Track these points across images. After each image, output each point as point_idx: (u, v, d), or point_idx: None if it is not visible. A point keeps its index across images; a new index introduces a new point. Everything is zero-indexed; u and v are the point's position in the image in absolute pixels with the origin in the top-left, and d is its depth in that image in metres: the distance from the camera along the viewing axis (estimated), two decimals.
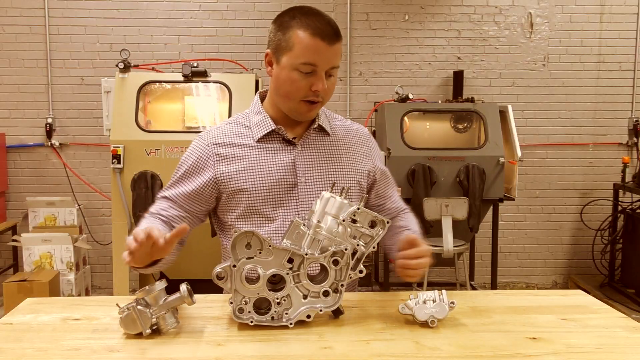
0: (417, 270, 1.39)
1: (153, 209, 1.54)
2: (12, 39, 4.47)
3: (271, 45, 1.46)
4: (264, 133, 1.51)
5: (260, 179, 1.48)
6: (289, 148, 1.51)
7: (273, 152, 1.51)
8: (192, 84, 3.73)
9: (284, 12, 1.45)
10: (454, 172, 3.85)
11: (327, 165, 1.52)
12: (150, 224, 1.38)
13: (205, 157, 1.51)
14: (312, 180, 1.49)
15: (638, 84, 4.80)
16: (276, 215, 1.48)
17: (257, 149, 1.51)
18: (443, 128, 4.34)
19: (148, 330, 1.17)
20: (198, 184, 1.51)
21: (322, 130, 1.55)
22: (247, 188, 1.48)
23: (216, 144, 1.52)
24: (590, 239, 4.73)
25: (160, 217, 1.50)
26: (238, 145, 1.51)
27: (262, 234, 1.21)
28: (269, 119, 1.52)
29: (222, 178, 1.49)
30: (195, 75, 3.63)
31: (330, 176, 1.51)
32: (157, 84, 3.74)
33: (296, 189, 1.48)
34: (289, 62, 1.41)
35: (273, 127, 1.50)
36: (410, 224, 1.65)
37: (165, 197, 1.55)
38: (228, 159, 1.50)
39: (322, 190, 1.45)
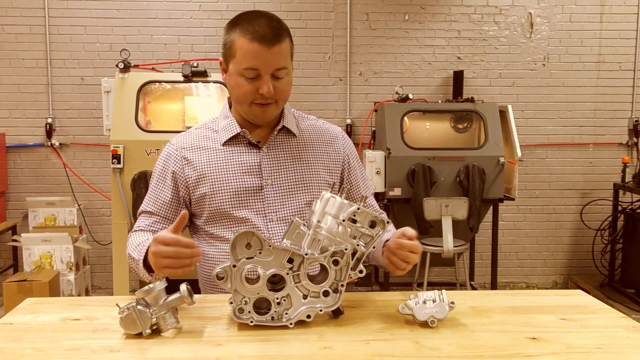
0: (406, 263, 1.34)
1: (138, 225, 1.53)
2: (12, 39, 4.47)
3: (222, 54, 1.49)
4: (229, 136, 1.52)
5: (226, 181, 1.49)
6: (254, 151, 1.52)
7: (238, 154, 1.52)
8: (192, 84, 3.73)
9: (231, 20, 1.46)
10: (454, 172, 3.85)
11: (293, 167, 1.52)
12: (148, 237, 1.39)
13: (174, 161, 1.53)
14: (279, 182, 1.50)
15: (638, 84, 4.80)
16: (244, 217, 1.48)
17: (223, 152, 1.52)
18: (443, 128, 4.34)
19: (148, 330, 1.17)
20: (173, 190, 1.53)
21: (288, 131, 1.56)
22: (212, 191, 1.49)
23: (184, 148, 1.54)
24: (590, 239, 4.73)
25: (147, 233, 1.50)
26: (204, 149, 1.53)
27: (262, 234, 1.22)
28: (235, 122, 1.53)
29: (189, 181, 1.51)
30: (195, 75, 3.63)
31: (296, 177, 1.52)
32: (157, 84, 3.74)
33: (262, 191, 1.49)
34: (234, 68, 1.43)
35: (238, 131, 1.52)
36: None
37: (147, 212, 1.55)
38: (194, 163, 1.52)
39: (289, 191, 1.49)
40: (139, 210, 1.57)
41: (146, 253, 1.34)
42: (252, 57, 1.39)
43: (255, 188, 1.49)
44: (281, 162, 1.52)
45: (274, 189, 1.50)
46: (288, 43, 1.45)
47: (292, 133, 1.56)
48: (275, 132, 1.54)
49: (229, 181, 1.49)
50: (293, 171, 1.52)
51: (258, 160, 1.51)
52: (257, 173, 1.50)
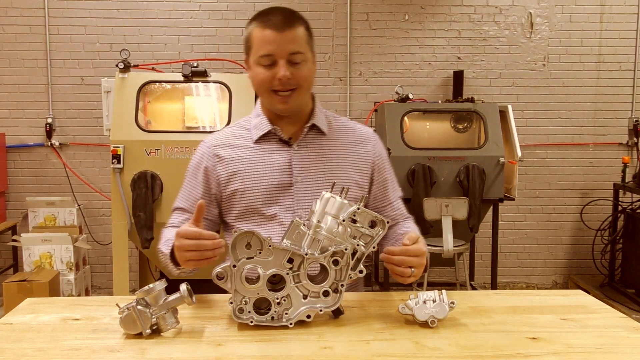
0: (410, 270, 1.29)
1: (171, 221, 1.58)
2: (12, 39, 4.47)
3: (244, 51, 1.54)
4: (261, 134, 1.54)
5: (257, 179, 1.51)
6: (285, 148, 1.54)
7: (270, 152, 1.54)
8: (192, 84, 3.73)
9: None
10: (454, 172, 3.84)
11: (323, 165, 1.53)
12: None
13: (207, 159, 1.56)
14: (308, 180, 1.51)
15: (638, 84, 4.80)
16: (273, 213, 1.50)
17: (255, 150, 1.54)
18: (443, 128, 4.34)
19: (148, 330, 1.17)
20: (206, 187, 1.56)
21: (318, 130, 1.57)
22: (243, 188, 1.51)
23: (216, 146, 1.57)
24: (590, 239, 4.73)
25: None
26: (237, 147, 1.56)
27: (262, 234, 1.22)
28: (267, 120, 1.55)
29: (221, 179, 1.54)
30: (195, 75, 3.62)
31: (326, 175, 1.52)
32: (157, 84, 3.74)
33: (292, 188, 1.51)
34: (253, 59, 1.49)
35: (270, 128, 1.54)
36: (411, 230, 1.57)
37: (179, 209, 1.59)
38: (227, 160, 1.54)
39: (319, 189, 1.49)
40: (173, 206, 1.61)
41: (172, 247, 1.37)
42: (266, 43, 1.44)
43: (285, 185, 1.51)
44: (311, 160, 1.53)
45: (304, 186, 1.51)
46: (303, 30, 1.48)
47: (322, 131, 1.57)
48: (306, 130, 1.55)
49: (260, 178, 1.51)
50: (323, 169, 1.53)
51: (289, 158, 1.53)
52: (288, 170, 1.52)
